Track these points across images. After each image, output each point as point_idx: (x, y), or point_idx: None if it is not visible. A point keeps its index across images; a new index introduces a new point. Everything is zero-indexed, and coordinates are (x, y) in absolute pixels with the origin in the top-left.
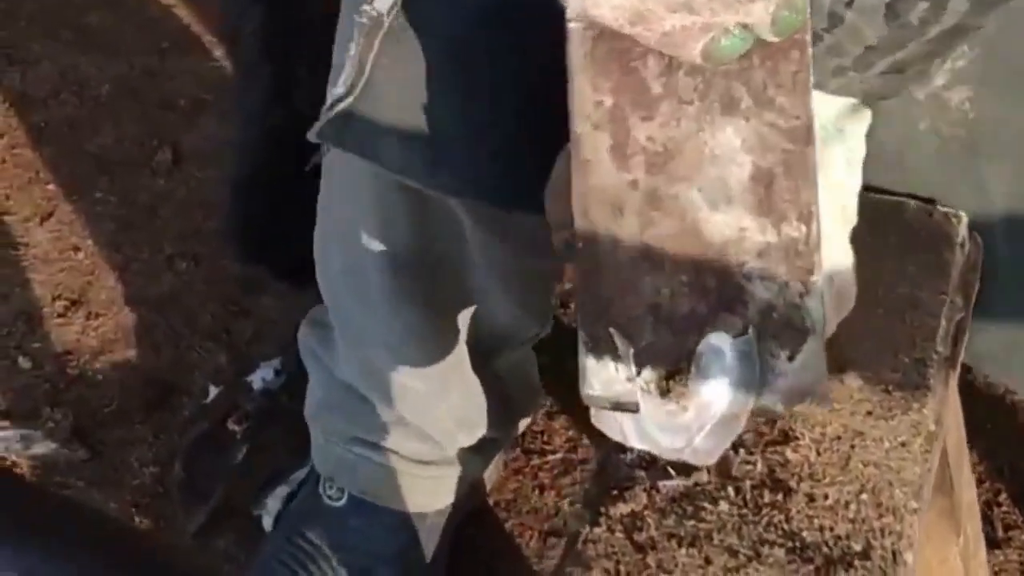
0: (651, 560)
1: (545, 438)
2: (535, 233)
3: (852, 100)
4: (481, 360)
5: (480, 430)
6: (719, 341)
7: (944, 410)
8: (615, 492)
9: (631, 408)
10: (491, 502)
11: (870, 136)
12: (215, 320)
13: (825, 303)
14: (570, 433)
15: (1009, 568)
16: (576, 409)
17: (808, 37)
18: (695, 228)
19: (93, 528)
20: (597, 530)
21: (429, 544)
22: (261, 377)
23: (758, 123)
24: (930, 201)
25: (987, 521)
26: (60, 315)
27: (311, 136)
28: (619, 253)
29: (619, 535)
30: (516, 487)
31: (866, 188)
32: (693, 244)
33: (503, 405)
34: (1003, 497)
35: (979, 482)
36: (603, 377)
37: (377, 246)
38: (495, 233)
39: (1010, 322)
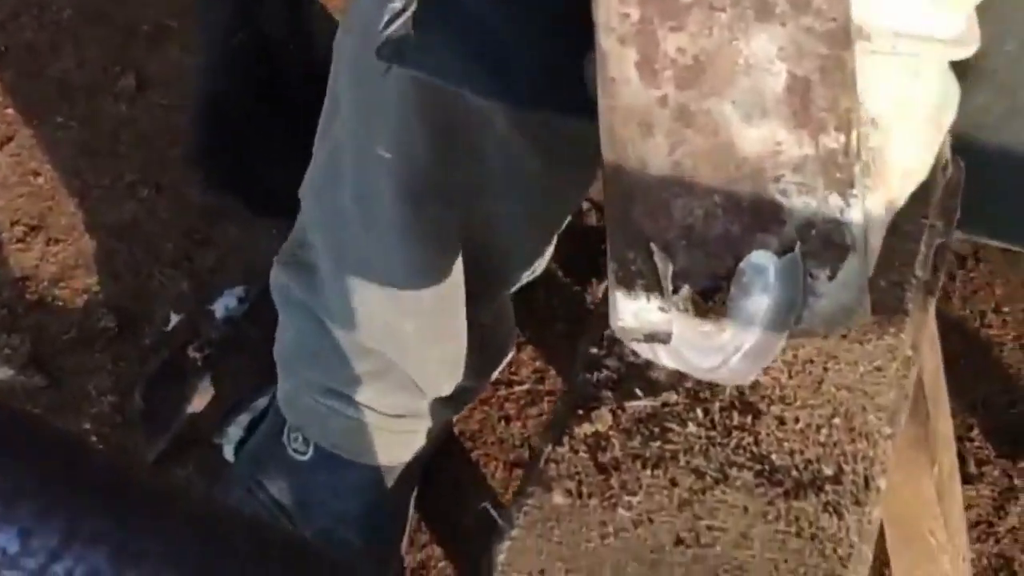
0: (614, 481)
1: (512, 369)
2: (579, 140)
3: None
4: (473, 304)
5: (461, 376)
6: (762, 259)
7: (921, 336)
8: (581, 412)
9: (663, 339)
10: (457, 432)
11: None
12: (177, 248)
13: (872, 216)
14: (537, 364)
15: (981, 503)
16: (544, 340)
17: None
18: (728, 144)
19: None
20: (560, 450)
21: (396, 495)
22: (224, 305)
23: (794, 28)
24: None
25: (959, 456)
26: (19, 240)
27: (378, 56)
28: (649, 175)
29: (583, 455)
30: (482, 418)
31: None
32: (726, 161)
33: (483, 353)
34: (975, 432)
35: (952, 416)
36: (634, 308)
37: (394, 172)
38: (534, 144)
39: None
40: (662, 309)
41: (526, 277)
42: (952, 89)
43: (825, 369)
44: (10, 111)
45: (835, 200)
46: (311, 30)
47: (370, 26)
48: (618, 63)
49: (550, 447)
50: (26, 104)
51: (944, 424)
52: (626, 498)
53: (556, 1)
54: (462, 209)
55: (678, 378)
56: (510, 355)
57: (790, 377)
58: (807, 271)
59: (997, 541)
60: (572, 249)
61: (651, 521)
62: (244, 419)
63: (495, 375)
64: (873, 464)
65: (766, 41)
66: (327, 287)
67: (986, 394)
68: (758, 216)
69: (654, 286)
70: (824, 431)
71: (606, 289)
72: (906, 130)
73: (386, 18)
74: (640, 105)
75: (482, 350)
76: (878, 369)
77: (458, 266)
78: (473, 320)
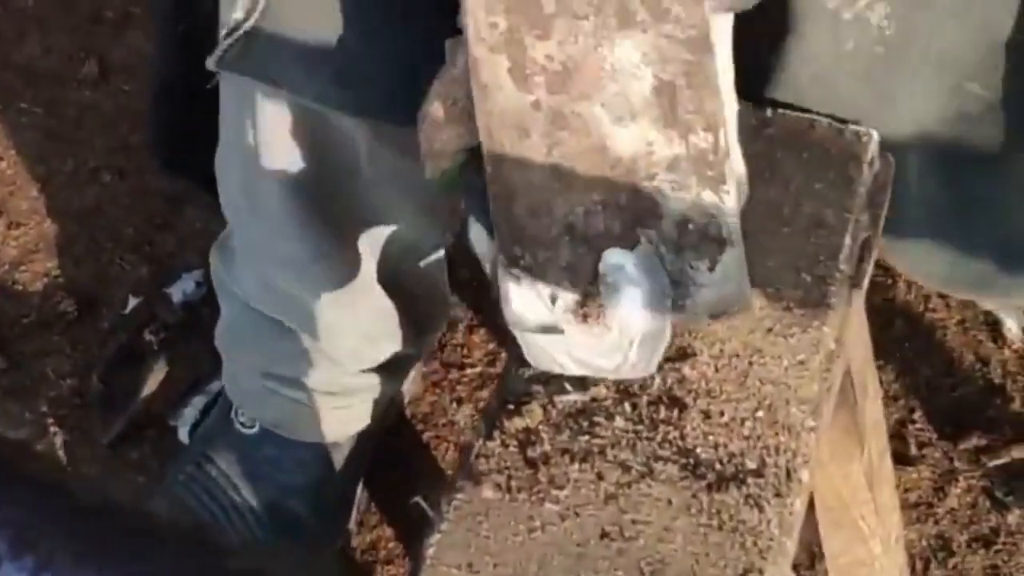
0: (542, 475)
1: (464, 352)
2: None
3: None
4: (389, 275)
5: (389, 346)
6: (618, 257)
7: (846, 329)
8: (512, 407)
9: (556, 330)
10: (408, 414)
11: (802, 56)
12: (138, 233)
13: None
14: (489, 347)
15: (922, 485)
16: (496, 323)
17: None
18: (602, 145)
19: None
20: (491, 444)
21: (344, 470)
22: (181, 289)
23: (655, 35)
24: (843, 121)
25: (901, 439)
26: None
27: (209, 65)
28: (529, 175)
29: (512, 449)
30: (434, 400)
31: (792, 108)
32: (601, 161)
33: (411, 320)
34: (918, 415)
35: (894, 399)
36: (525, 299)
37: (274, 167)
38: (394, 147)
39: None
40: (552, 300)
41: (438, 242)
42: None
43: (750, 363)
44: None
45: (708, 196)
46: None
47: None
48: (490, 70)
49: (480, 441)
50: None
51: (873, 411)
52: (554, 492)
53: (406, 14)
54: (349, 199)
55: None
56: (447, 317)
57: (716, 371)
58: (688, 263)
59: (936, 522)
60: None
61: (577, 515)
62: (199, 401)
63: (433, 340)
64: (795, 456)
65: (630, 47)
66: (240, 267)
67: (928, 377)
68: (636, 213)
69: (544, 277)
70: (748, 424)
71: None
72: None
73: (227, 28)
74: (515, 109)
75: (413, 316)
76: (801, 363)
77: (354, 243)
78: (395, 288)
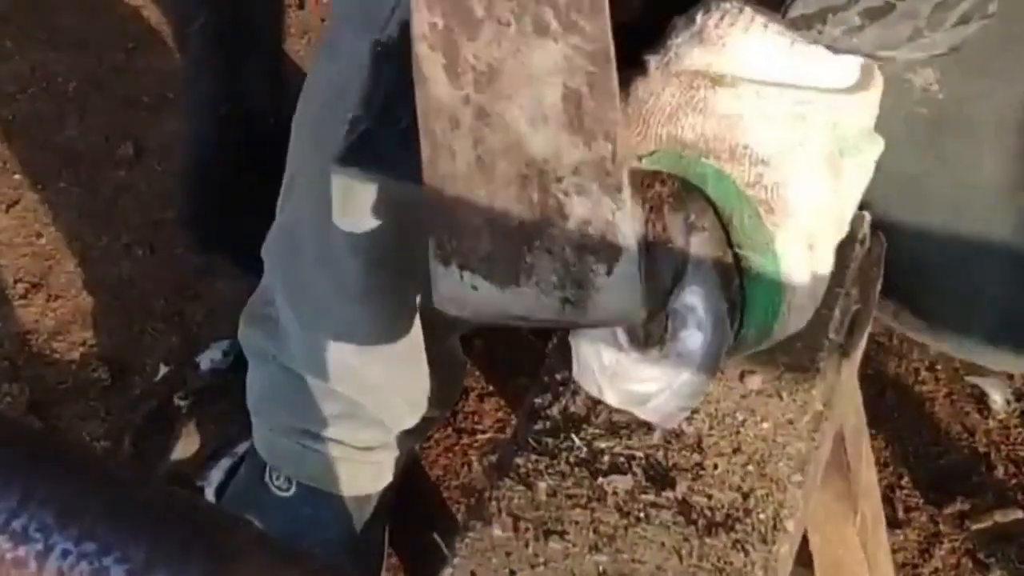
0: (548, 517)
1: (476, 418)
2: None
3: (873, 122)
4: (434, 342)
5: (426, 410)
6: (693, 299)
7: (835, 394)
8: (523, 455)
9: (477, 315)
10: (423, 476)
11: None
12: (168, 304)
13: (788, 251)
14: (499, 415)
15: (908, 547)
16: (506, 392)
17: None
18: (519, 143)
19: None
20: (502, 488)
21: (373, 523)
22: (210, 358)
23: (565, 46)
24: None
25: (889, 503)
26: (21, 297)
27: (337, 164)
28: (457, 165)
29: (521, 492)
30: (446, 463)
31: None
32: (518, 158)
33: (441, 384)
34: (905, 480)
35: (884, 465)
36: (451, 284)
37: (354, 239)
38: None
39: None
40: (474, 287)
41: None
42: (853, 134)
43: (743, 422)
44: (17, 176)
45: (607, 203)
46: (289, 103)
47: (328, 104)
48: (429, 65)
49: (492, 485)
50: (32, 169)
51: (867, 476)
52: (557, 532)
53: None
54: (420, 279)
55: (611, 428)
56: (461, 388)
57: (711, 428)
58: (589, 266)
59: None
60: None
61: (579, 554)
62: (225, 463)
63: (454, 407)
64: (782, 507)
65: (544, 55)
66: (292, 340)
67: (917, 445)
68: (545, 212)
69: (467, 264)
70: (738, 476)
71: (556, 342)
72: (800, 168)
73: (348, 124)
74: (448, 102)
75: (439, 385)
76: (790, 423)
77: (416, 320)
78: (437, 355)
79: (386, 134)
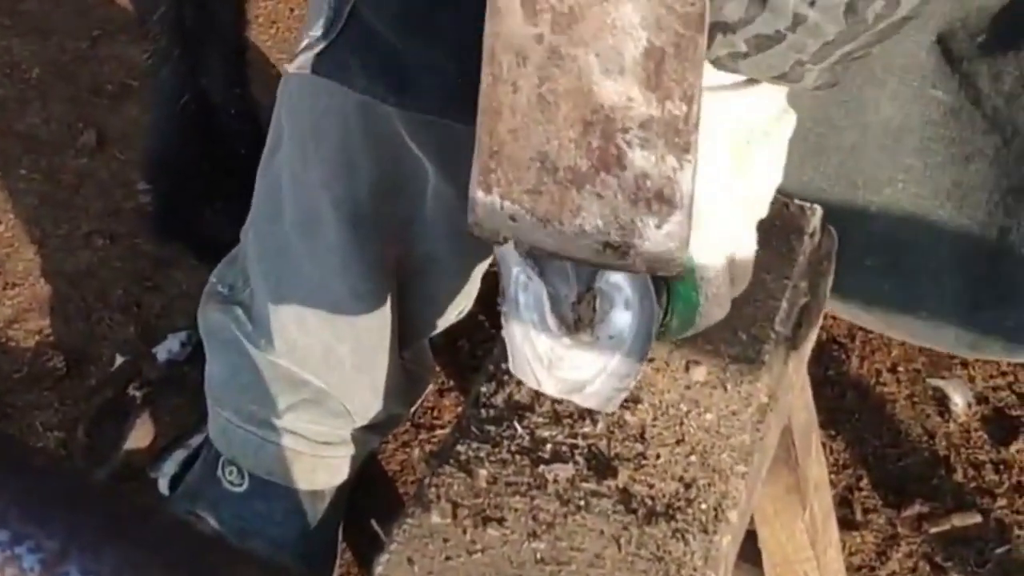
0: (487, 504)
1: (435, 413)
2: None
3: (783, 104)
4: (399, 343)
5: (392, 405)
6: (619, 279)
7: (780, 387)
8: (465, 443)
9: (509, 243)
10: (379, 472)
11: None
12: (127, 294)
13: (695, 187)
14: (459, 410)
15: (866, 549)
16: (465, 387)
17: None
18: (588, 90)
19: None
20: (443, 475)
21: (327, 520)
22: (167, 348)
23: (658, 4)
24: (788, 195)
25: (847, 504)
26: None
27: (290, 69)
28: (517, 99)
29: (461, 480)
30: (403, 459)
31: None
32: (584, 104)
33: (405, 386)
34: (864, 482)
35: (843, 467)
36: (488, 210)
37: (337, 195)
38: (459, 187)
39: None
40: (512, 218)
41: (450, 322)
42: (760, 123)
43: (687, 412)
44: None
45: (671, 160)
46: (251, 94)
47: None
48: None
49: (433, 472)
50: None
51: (818, 472)
52: (496, 520)
53: (452, 35)
54: (399, 245)
55: (554, 417)
56: (428, 388)
57: (655, 418)
58: (639, 216)
59: None
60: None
61: (516, 541)
62: (179, 455)
63: (415, 407)
64: (724, 498)
65: (632, 9)
66: (265, 320)
67: (876, 447)
68: (603, 159)
69: (509, 195)
70: (680, 467)
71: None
72: (701, 167)
73: (306, 41)
74: (519, 37)
75: (406, 382)
76: (734, 414)
77: (391, 299)
78: (397, 357)
79: (349, 49)
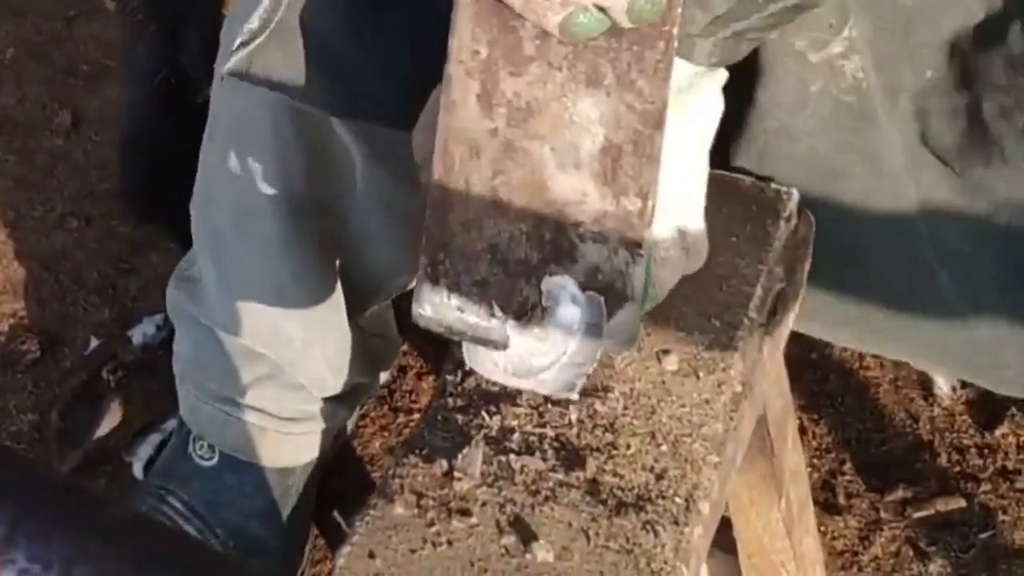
0: (452, 495)
1: (413, 397)
2: None
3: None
4: (350, 310)
5: (350, 377)
6: (563, 280)
7: (755, 374)
8: (432, 432)
9: (458, 335)
10: (356, 456)
11: (764, 97)
12: (102, 277)
13: (650, 272)
14: None
15: (848, 534)
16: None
17: (675, 31)
18: (542, 183)
19: None
20: (407, 466)
21: (300, 499)
22: (142, 332)
23: (617, 101)
24: (765, 179)
25: (830, 489)
26: None
27: (225, 70)
28: (470, 192)
29: (426, 471)
30: (381, 442)
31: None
32: (537, 197)
33: (367, 353)
34: (847, 467)
35: (826, 451)
36: (435, 301)
37: (271, 188)
38: (389, 169)
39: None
40: (459, 309)
41: (401, 288)
42: (686, 76)
43: (659, 401)
44: None
45: (623, 255)
46: None
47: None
48: (461, 90)
49: (397, 463)
50: None
51: (794, 460)
52: (462, 511)
53: (402, 32)
54: (335, 222)
55: (523, 407)
56: (396, 356)
57: (625, 408)
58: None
59: (860, 569)
60: None
61: (482, 533)
62: (154, 438)
63: (384, 378)
64: (696, 489)
65: (591, 105)
66: (212, 298)
67: (860, 431)
68: (555, 251)
69: (457, 287)
70: (651, 457)
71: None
72: None
73: (241, 38)
74: (473, 131)
75: (365, 353)
76: (707, 402)
77: (333, 270)
78: (352, 325)
79: (282, 51)
